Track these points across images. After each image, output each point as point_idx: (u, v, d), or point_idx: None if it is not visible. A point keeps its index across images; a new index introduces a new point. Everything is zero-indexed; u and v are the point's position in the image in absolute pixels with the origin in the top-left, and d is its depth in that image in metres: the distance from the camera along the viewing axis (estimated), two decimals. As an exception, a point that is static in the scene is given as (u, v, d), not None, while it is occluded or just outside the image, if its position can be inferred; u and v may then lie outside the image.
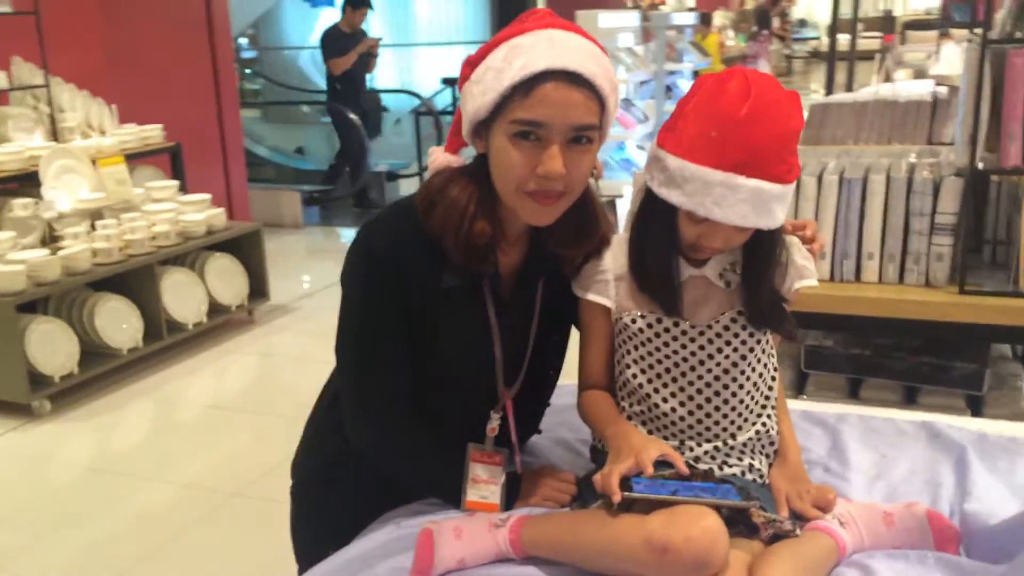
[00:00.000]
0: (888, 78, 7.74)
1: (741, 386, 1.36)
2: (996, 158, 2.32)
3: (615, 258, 1.41)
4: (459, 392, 1.47)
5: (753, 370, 1.37)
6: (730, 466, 1.35)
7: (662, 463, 1.26)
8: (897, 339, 2.72)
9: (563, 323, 1.54)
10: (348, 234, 7.49)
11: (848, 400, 2.67)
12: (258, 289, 5.02)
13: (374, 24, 11.03)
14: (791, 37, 9.21)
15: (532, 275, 1.46)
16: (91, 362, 4.08)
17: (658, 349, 1.37)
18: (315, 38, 11.13)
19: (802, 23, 21.56)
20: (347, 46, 7.24)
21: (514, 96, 1.25)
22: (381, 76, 11.04)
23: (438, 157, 1.42)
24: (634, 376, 1.40)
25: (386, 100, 10.13)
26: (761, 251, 1.32)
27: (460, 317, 1.42)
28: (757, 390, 1.39)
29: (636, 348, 1.39)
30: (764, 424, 1.39)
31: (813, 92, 16.88)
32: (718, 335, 1.35)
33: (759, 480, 1.35)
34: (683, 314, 1.34)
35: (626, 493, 1.17)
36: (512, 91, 1.25)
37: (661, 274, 1.34)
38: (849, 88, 6.55)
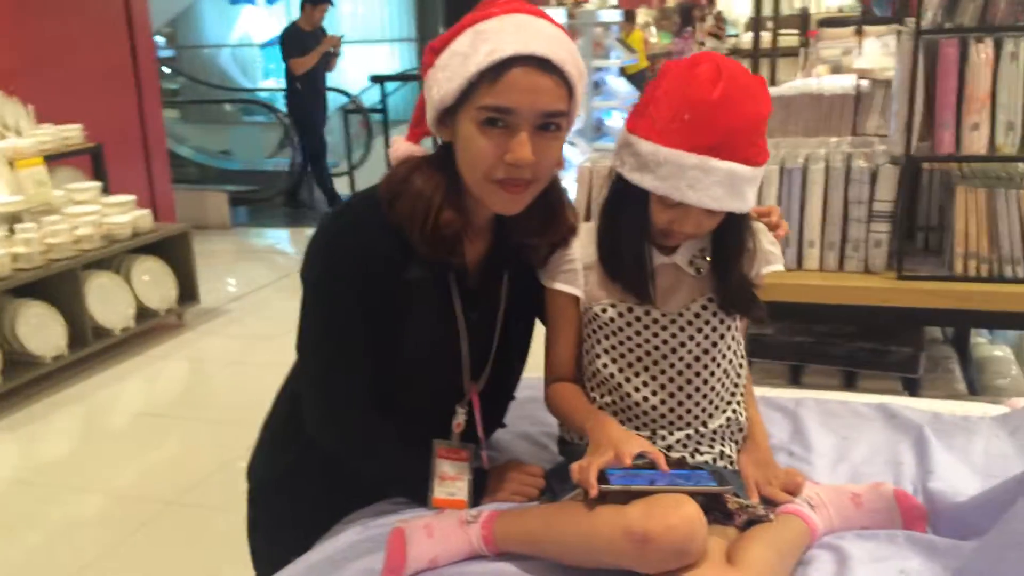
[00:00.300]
0: (809, 73, 7.91)
1: (712, 373, 1.36)
2: (929, 146, 2.38)
3: (584, 247, 1.39)
4: (425, 387, 1.44)
5: (723, 356, 1.37)
6: (702, 453, 1.34)
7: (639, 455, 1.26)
8: (836, 326, 2.77)
9: (529, 316, 1.52)
10: (277, 235, 7.36)
11: (790, 386, 2.71)
12: (187, 292, 4.88)
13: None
14: (725, 35, 9.32)
15: (498, 266, 1.44)
16: (15, 371, 3.92)
17: (629, 338, 1.35)
18: (236, 36, 10.95)
19: (721, 21, 21.89)
20: (308, 45, 7.06)
21: (481, 82, 1.22)
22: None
23: (400, 147, 1.39)
24: (604, 366, 1.38)
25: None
26: (731, 236, 1.32)
27: (426, 310, 1.39)
28: (727, 377, 1.39)
29: (607, 338, 1.37)
30: (735, 411, 1.39)
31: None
32: (689, 323, 1.34)
33: (730, 466, 1.35)
34: (655, 302, 1.33)
35: (603, 486, 1.16)
36: (479, 77, 1.22)
37: (633, 262, 1.33)
38: (772, 83, 6.68)
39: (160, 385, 4.32)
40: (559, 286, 1.40)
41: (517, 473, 1.43)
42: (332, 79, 10.48)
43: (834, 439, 1.55)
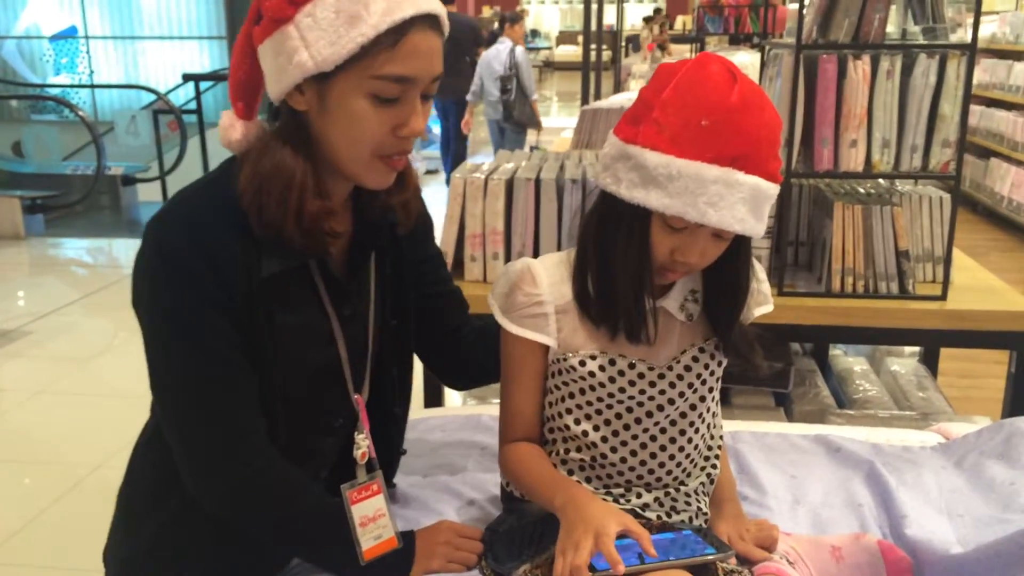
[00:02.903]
0: (620, 88, 8.15)
1: (697, 430, 1.21)
2: (806, 162, 2.38)
3: (554, 286, 1.18)
4: (310, 411, 1.23)
5: (708, 411, 1.22)
6: (678, 512, 1.19)
7: None
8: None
9: (402, 306, 1.34)
10: (79, 244, 6.71)
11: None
12: (-21, 312, 4.31)
13: (92, 15, 10.09)
14: (668, 43, 9.32)
15: (363, 250, 1.26)
16: None
17: (611, 395, 1.17)
18: (21, 28, 10.00)
19: (534, 33, 22.39)
20: None
21: (378, 47, 1.05)
22: (105, 71, 10.11)
23: (237, 125, 1.16)
24: (576, 423, 1.19)
25: (114, 96, 9.28)
26: (735, 273, 1.15)
27: (292, 311, 1.18)
28: (708, 431, 1.24)
29: (582, 393, 1.18)
30: (714, 465, 1.25)
31: (547, 99, 17.57)
32: (679, 377, 1.17)
33: (705, 523, 1.21)
34: (652, 343, 1.15)
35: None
36: (375, 41, 1.05)
37: (633, 301, 1.12)
38: (597, 96, 6.77)
39: (-50, 421, 3.76)
40: (527, 333, 1.18)
41: (451, 536, 1.24)
42: (136, 76, 9.80)
43: (782, 477, 1.45)
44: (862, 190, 2.55)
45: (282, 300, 1.16)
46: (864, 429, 1.66)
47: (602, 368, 1.16)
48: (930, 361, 3.01)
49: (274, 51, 1.08)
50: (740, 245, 1.13)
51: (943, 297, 2.28)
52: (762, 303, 1.24)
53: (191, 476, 1.17)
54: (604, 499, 1.18)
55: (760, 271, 1.24)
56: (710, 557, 1.04)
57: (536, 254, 2.35)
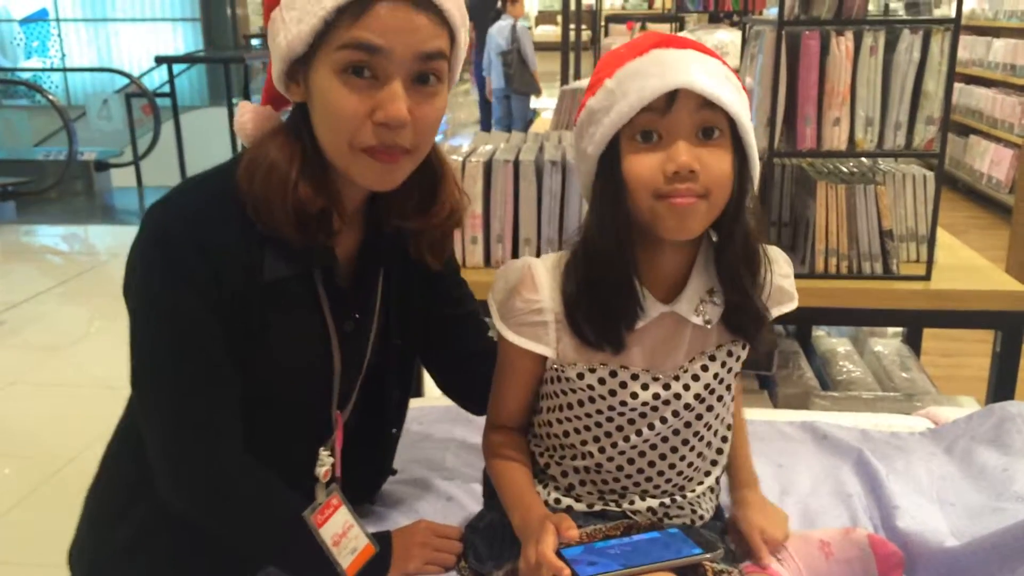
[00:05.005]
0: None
1: (702, 438, 1.14)
2: (787, 141, 2.34)
3: (555, 291, 1.09)
4: (288, 423, 1.17)
5: (717, 418, 1.15)
6: (671, 518, 1.14)
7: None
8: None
9: (407, 326, 1.27)
10: (53, 231, 6.60)
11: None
12: (-52, 303, 4.23)
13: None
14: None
15: (372, 263, 1.20)
16: None
17: (611, 407, 1.09)
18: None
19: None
20: None
21: (341, 19, 0.98)
22: (77, 54, 9.97)
23: (247, 112, 1.12)
24: (576, 432, 1.12)
25: (86, 80, 9.14)
26: (730, 235, 1.06)
27: (291, 320, 1.12)
28: (716, 437, 1.17)
29: (580, 404, 1.10)
30: (717, 477, 1.20)
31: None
32: (686, 387, 1.09)
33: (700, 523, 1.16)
34: (628, 346, 1.07)
35: None
36: (338, 13, 0.98)
37: (619, 255, 1.02)
38: (577, 77, 6.70)
39: (-79, 414, 3.69)
40: (524, 343, 1.09)
41: (428, 536, 1.20)
42: (108, 59, 9.66)
43: (769, 467, 1.41)
44: (845, 169, 2.51)
45: (281, 306, 1.11)
46: (851, 415, 1.63)
47: (602, 381, 1.08)
48: (913, 341, 2.99)
49: (270, 38, 1.05)
50: (736, 215, 1.06)
51: (927, 277, 2.25)
52: (784, 302, 1.16)
53: (163, 475, 1.12)
54: (595, 503, 1.14)
55: (786, 264, 1.16)
56: (697, 557, 1.00)
57: (515, 237, 2.30)
